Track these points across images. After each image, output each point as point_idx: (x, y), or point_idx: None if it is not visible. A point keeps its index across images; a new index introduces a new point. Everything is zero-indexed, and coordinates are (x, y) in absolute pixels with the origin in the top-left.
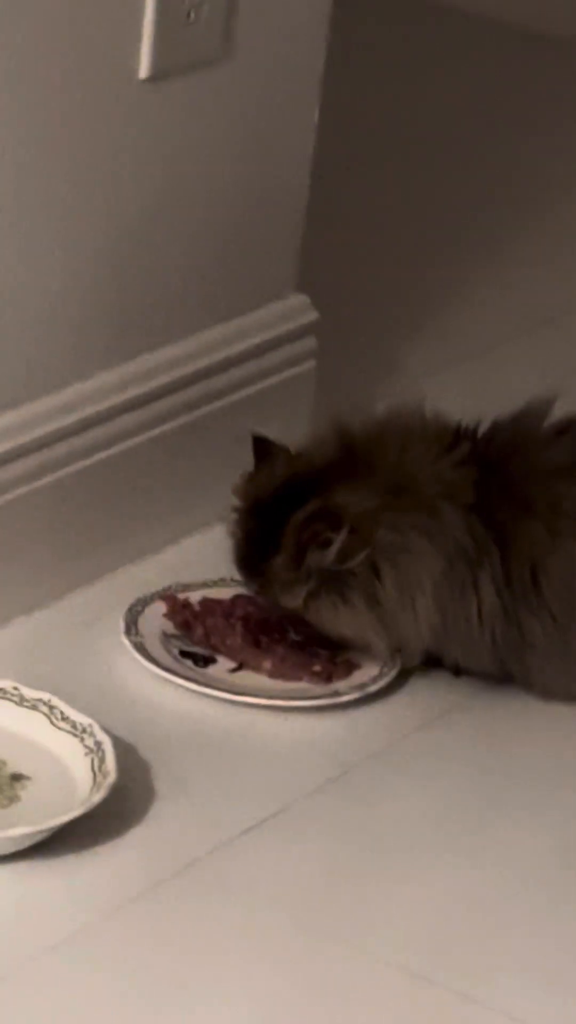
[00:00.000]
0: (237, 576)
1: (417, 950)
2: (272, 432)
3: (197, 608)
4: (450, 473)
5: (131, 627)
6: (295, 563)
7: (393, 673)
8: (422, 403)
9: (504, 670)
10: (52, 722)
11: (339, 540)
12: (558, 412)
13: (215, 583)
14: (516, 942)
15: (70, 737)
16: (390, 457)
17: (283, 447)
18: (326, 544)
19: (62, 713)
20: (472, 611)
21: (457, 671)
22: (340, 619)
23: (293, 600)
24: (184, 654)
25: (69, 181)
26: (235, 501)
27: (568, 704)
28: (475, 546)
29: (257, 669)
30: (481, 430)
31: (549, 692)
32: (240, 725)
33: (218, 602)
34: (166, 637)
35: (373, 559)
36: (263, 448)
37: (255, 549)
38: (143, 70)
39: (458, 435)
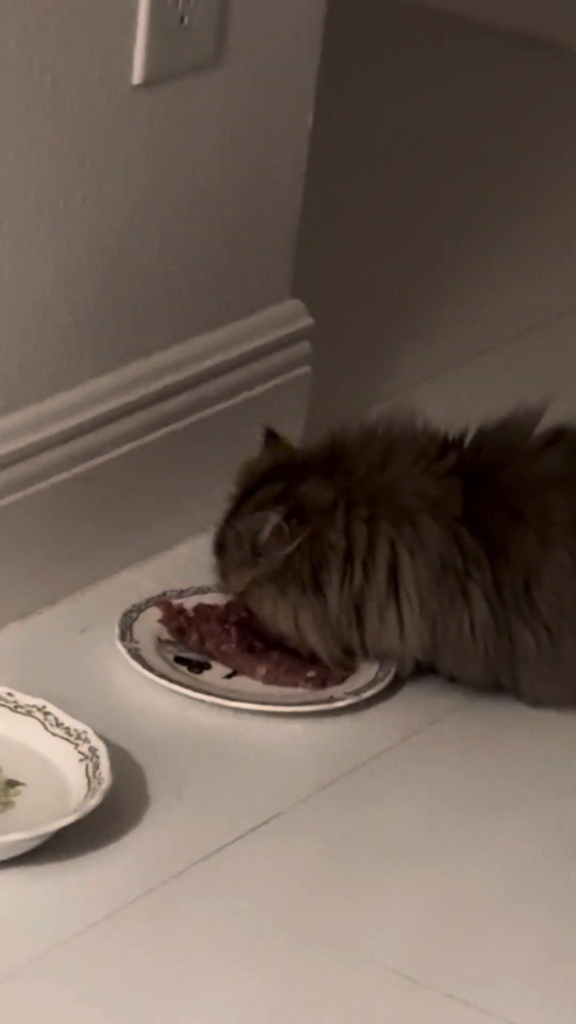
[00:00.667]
0: None
1: (412, 955)
2: None
3: (191, 614)
4: (433, 485)
5: (126, 633)
6: (240, 543)
7: (388, 679)
8: (412, 412)
9: (495, 680)
10: (46, 728)
11: (273, 521)
12: (555, 416)
13: (209, 589)
14: (511, 946)
15: (64, 743)
16: (367, 465)
17: (286, 443)
18: (266, 525)
19: (56, 719)
20: (464, 623)
21: (452, 677)
22: (278, 612)
23: (239, 582)
24: (179, 660)
25: (61, 187)
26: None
27: (561, 711)
28: (463, 558)
29: (252, 675)
30: (467, 439)
31: (539, 701)
32: (235, 731)
33: (212, 608)
34: (160, 643)
35: (318, 557)
36: (269, 441)
37: (224, 532)
38: (136, 75)
39: (445, 446)
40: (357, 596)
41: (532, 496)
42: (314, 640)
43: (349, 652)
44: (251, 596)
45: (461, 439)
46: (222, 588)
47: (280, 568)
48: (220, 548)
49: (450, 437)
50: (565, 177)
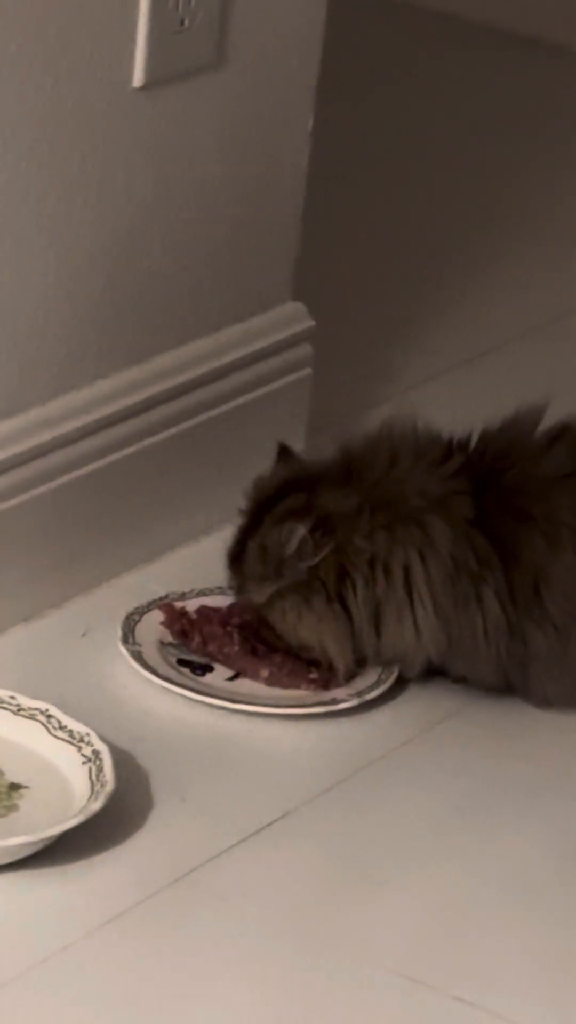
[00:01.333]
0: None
1: (417, 957)
2: (268, 440)
3: (194, 616)
4: (440, 487)
5: (128, 636)
6: (264, 556)
7: (391, 680)
8: (414, 417)
9: (506, 681)
10: (50, 731)
11: (300, 534)
12: (557, 415)
13: (212, 591)
14: (516, 948)
15: (68, 746)
16: (378, 471)
17: (299, 458)
18: (292, 538)
19: (59, 722)
20: (477, 625)
21: (460, 679)
22: (301, 623)
23: (260, 595)
24: (181, 662)
25: (62, 190)
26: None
27: (566, 712)
28: (477, 560)
29: (254, 677)
30: (472, 441)
31: (548, 702)
32: (238, 733)
33: (215, 610)
34: (163, 646)
35: (343, 565)
36: (283, 457)
37: (240, 545)
38: (136, 78)
39: (450, 449)
40: (377, 602)
41: (539, 496)
42: (334, 651)
43: (361, 662)
44: (273, 608)
45: (466, 441)
46: (238, 600)
47: (305, 579)
48: (236, 561)
49: (455, 440)
50: (565, 179)
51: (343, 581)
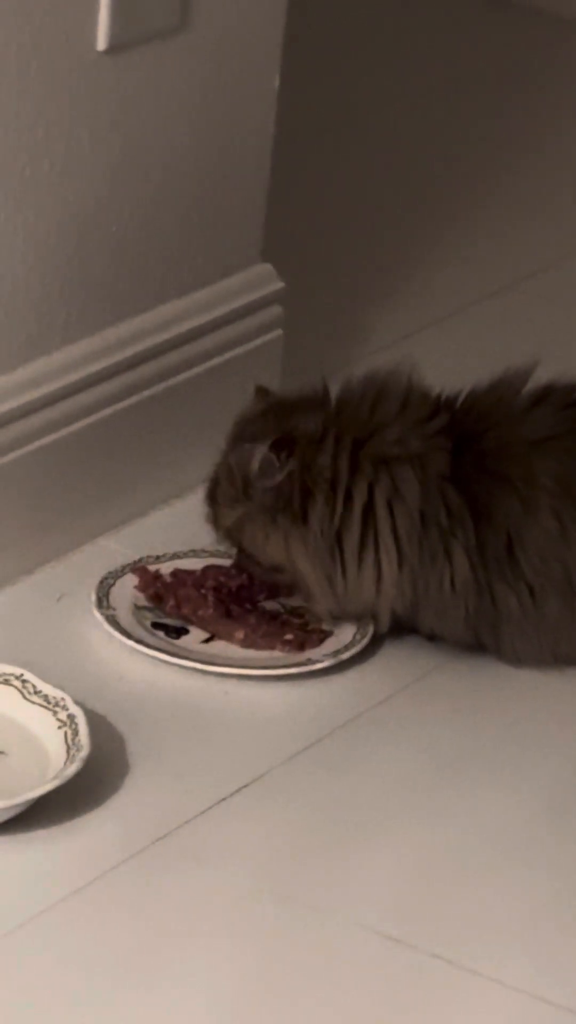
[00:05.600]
0: (207, 547)
1: (396, 915)
2: (240, 402)
3: (168, 579)
4: (419, 441)
5: (102, 600)
6: (231, 478)
7: (366, 640)
8: (411, 370)
9: (477, 639)
10: (24, 696)
11: (261, 453)
12: (538, 374)
13: (186, 554)
14: (496, 905)
15: (43, 711)
16: (361, 408)
17: (275, 395)
18: (254, 457)
19: (34, 687)
20: (445, 580)
21: (432, 636)
22: (268, 543)
23: (229, 518)
24: (156, 626)
25: (28, 155)
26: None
27: (540, 669)
28: (448, 515)
29: (229, 639)
30: (459, 400)
31: (520, 660)
32: (213, 695)
33: (189, 573)
34: (137, 609)
35: (306, 484)
36: (260, 395)
37: (217, 478)
38: (101, 42)
39: (437, 406)
40: (337, 527)
41: (518, 459)
42: (306, 568)
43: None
44: (242, 530)
45: (453, 400)
46: (215, 533)
47: (270, 500)
48: (210, 492)
49: (443, 398)
50: (538, 135)
51: (307, 500)
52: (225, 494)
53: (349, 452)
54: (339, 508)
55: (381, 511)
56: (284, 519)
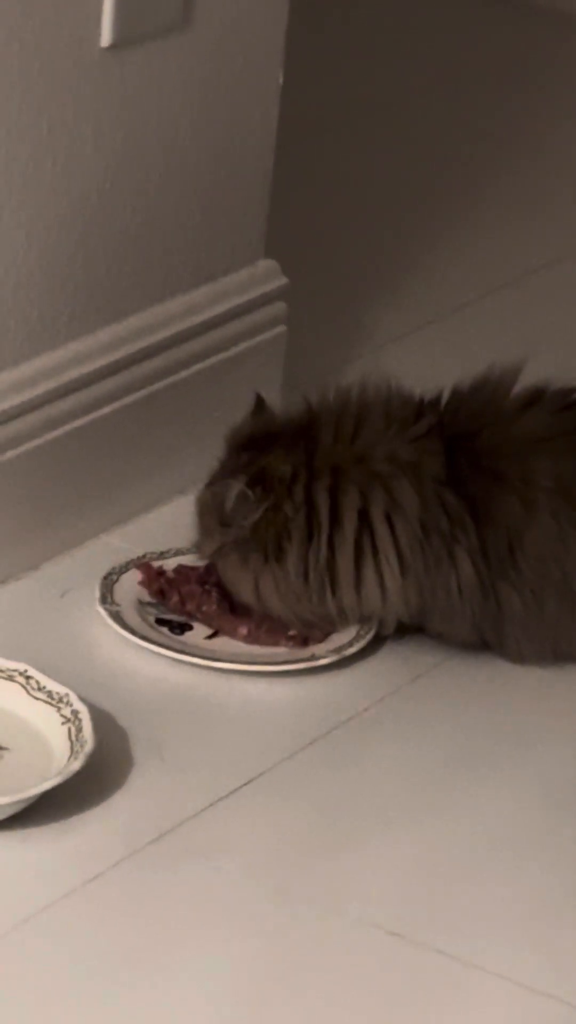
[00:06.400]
0: None
1: (399, 911)
2: (243, 398)
3: (172, 575)
4: (409, 449)
5: (106, 596)
6: (210, 511)
7: (369, 636)
8: (386, 376)
9: (482, 639)
10: (29, 692)
11: (236, 490)
12: (528, 372)
13: (189, 551)
14: (498, 901)
15: (47, 707)
16: (341, 434)
17: (271, 411)
18: (230, 494)
19: (38, 683)
20: (451, 585)
21: (438, 635)
22: (240, 581)
23: (208, 548)
24: (160, 621)
25: (32, 151)
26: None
27: (543, 665)
28: (448, 520)
29: (233, 635)
30: (443, 401)
31: (523, 658)
32: (217, 691)
33: (193, 569)
34: (141, 605)
35: (281, 527)
36: (257, 409)
37: (201, 506)
38: (104, 39)
39: (421, 409)
40: (324, 566)
41: (514, 459)
42: (278, 608)
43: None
44: (219, 563)
45: (436, 401)
46: (197, 552)
47: (246, 536)
48: (197, 516)
49: (425, 400)
50: (538, 134)
51: (283, 539)
52: (206, 523)
53: (328, 489)
54: (323, 548)
55: (380, 527)
56: (256, 558)
